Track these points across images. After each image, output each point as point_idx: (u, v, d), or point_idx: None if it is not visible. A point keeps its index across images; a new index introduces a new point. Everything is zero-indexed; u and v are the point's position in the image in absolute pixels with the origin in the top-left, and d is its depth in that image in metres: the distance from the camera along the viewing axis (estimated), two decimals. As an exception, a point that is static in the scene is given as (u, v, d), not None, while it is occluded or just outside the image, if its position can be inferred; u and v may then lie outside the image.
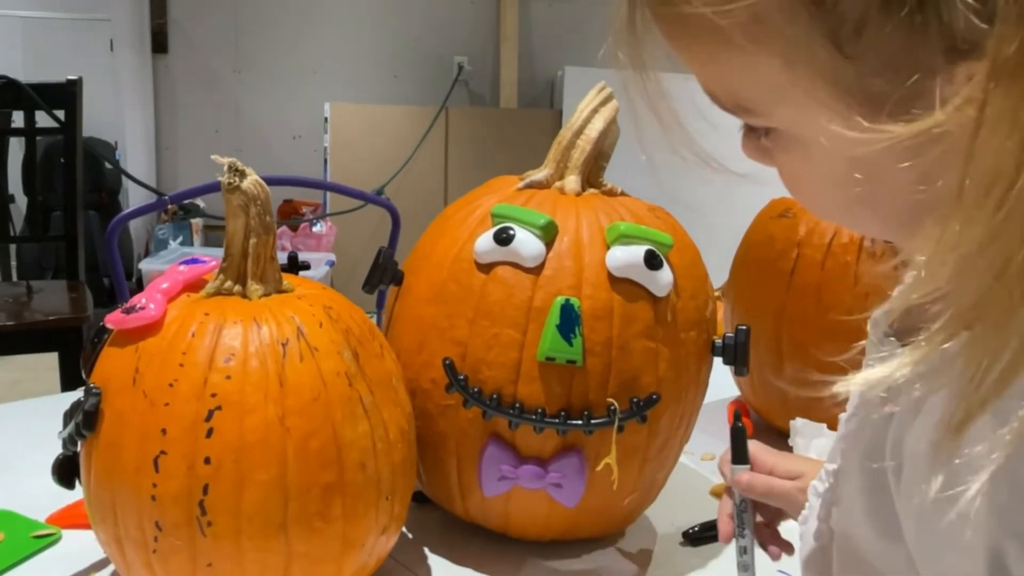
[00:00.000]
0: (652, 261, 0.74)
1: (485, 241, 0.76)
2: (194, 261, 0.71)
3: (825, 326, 1.04)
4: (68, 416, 0.67)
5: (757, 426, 1.13)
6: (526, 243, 0.74)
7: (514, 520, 0.79)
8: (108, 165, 3.48)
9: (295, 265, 0.82)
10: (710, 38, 0.38)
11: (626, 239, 0.74)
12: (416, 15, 4.13)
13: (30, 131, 2.18)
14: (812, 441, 0.97)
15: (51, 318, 1.91)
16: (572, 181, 0.82)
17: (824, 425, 0.97)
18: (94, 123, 3.30)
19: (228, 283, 0.69)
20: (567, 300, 0.73)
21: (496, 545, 0.82)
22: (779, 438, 1.09)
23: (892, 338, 0.50)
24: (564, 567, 0.81)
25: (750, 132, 0.45)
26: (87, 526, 0.80)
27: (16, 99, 2.15)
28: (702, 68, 0.42)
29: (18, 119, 2.21)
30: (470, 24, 4.21)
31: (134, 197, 3.72)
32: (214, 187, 0.88)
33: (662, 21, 0.40)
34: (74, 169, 2.13)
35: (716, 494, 0.96)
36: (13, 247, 2.75)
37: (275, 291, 0.70)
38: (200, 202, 3.77)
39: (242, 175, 0.67)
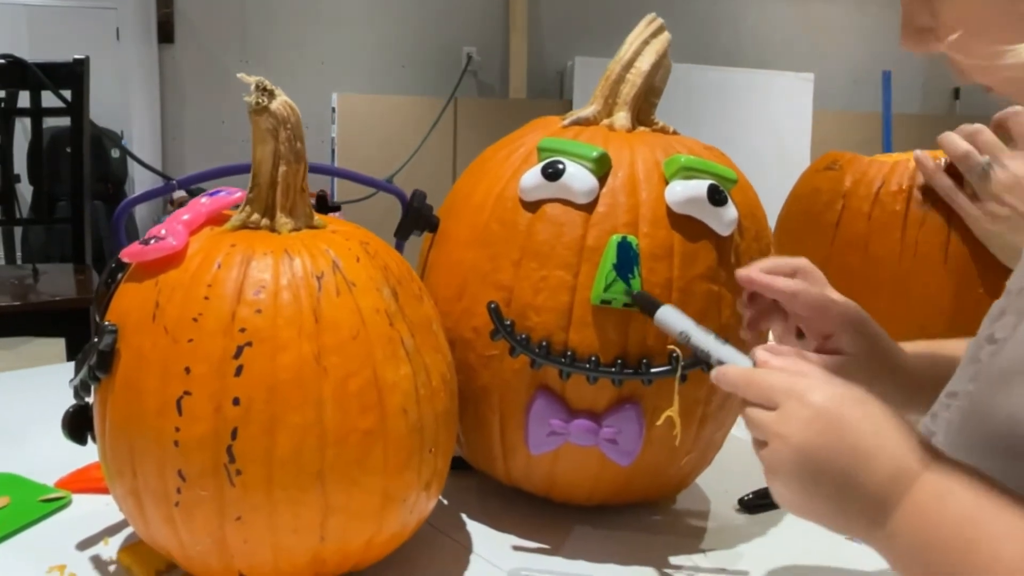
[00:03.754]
0: (715, 196, 0.68)
1: (532, 176, 0.70)
2: (218, 193, 0.65)
3: (872, 277, 0.99)
4: (80, 362, 0.62)
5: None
6: (577, 177, 0.68)
7: (560, 482, 0.73)
8: (114, 152, 3.43)
9: (325, 206, 0.76)
10: None
11: (687, 172, 0.68)
12: (425, 5, 4.08)
13: (36, 111, 2.13)
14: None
15: (57, 299, 1.85)
16: (622, 117, 0.76)
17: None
18: (100, 112, 3.25)
19: (255, 216, 0.63)
20: (624, 238, 0.66)
21: (539, 511, 0.76)
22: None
23: None
24: (616, 535, 0.75)
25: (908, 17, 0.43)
26: (99, 490, 0.75)
27: (22, 79, 2.10)
28: None
29: (25, 103, 2.15)
30: (479, 14, 4.16)
31: (140, 188, 3.67)
32: (223, 172, 0.82)
33: None
34: (81, 150, 2.08)
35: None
36: (19, 235, 2.71)
37: (306, 227, 0.64)
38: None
39: (271, 95, 0.61)
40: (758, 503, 0.80)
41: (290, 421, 0.55)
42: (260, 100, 0.61)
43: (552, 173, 0.69)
